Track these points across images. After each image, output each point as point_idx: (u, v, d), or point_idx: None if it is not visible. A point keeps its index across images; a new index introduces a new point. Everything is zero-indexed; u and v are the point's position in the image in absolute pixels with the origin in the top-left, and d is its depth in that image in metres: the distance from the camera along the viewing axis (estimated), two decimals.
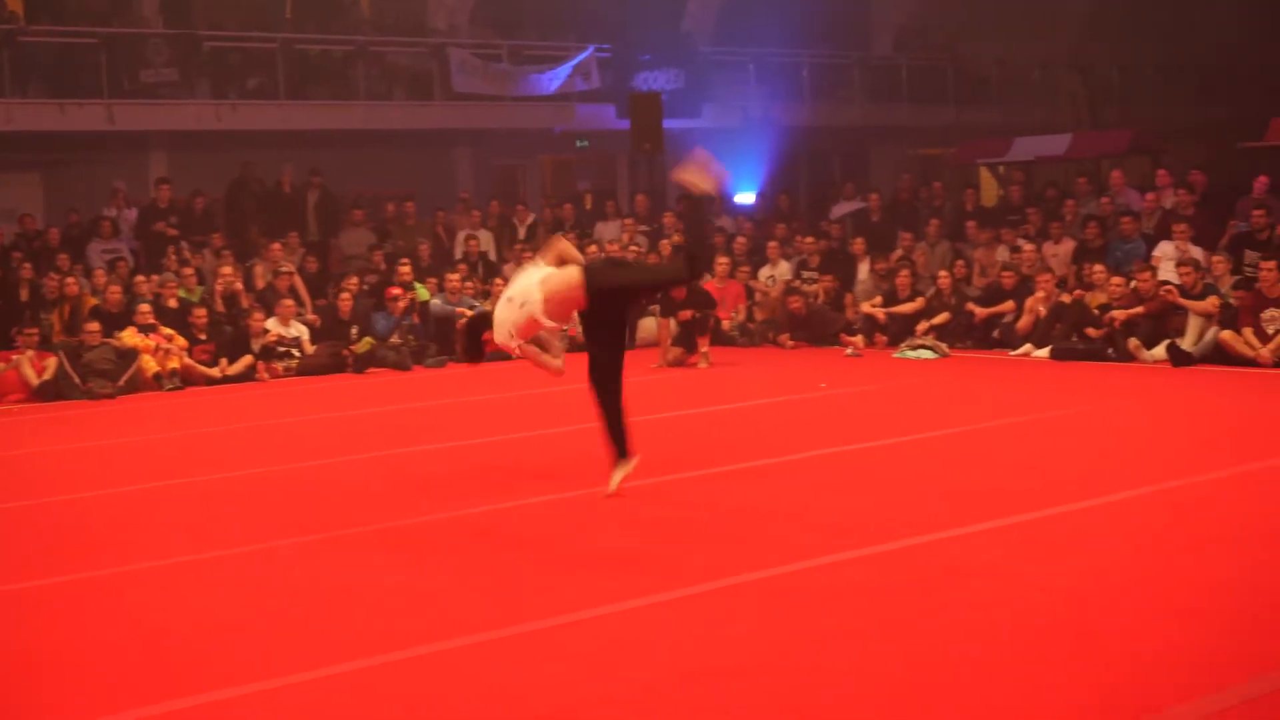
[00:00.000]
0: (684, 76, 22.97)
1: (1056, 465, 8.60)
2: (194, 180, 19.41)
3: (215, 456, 10.31)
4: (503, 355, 8.32)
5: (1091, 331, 14.41)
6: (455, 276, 17.50)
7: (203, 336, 15.58)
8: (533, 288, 7.67)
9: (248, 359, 15.51)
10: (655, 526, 7.25)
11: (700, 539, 6.94)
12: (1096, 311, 14.47)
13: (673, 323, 15.35)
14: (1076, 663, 4.77)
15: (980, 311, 15.89)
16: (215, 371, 15.30)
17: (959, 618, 5.34)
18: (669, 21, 25.38)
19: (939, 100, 26.85)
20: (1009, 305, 15.69)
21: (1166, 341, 13.67)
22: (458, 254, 18.97)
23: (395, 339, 16.50)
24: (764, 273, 18.35)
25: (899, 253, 17.70)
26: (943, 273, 16.61)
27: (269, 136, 20.45)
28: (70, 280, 15.95)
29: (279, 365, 15.70)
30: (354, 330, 16.43)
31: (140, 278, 16.61)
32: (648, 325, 17.39)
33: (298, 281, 17.17)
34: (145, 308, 15.36)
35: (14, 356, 14.60)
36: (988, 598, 5.59)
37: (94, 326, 14.78)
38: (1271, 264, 13.18)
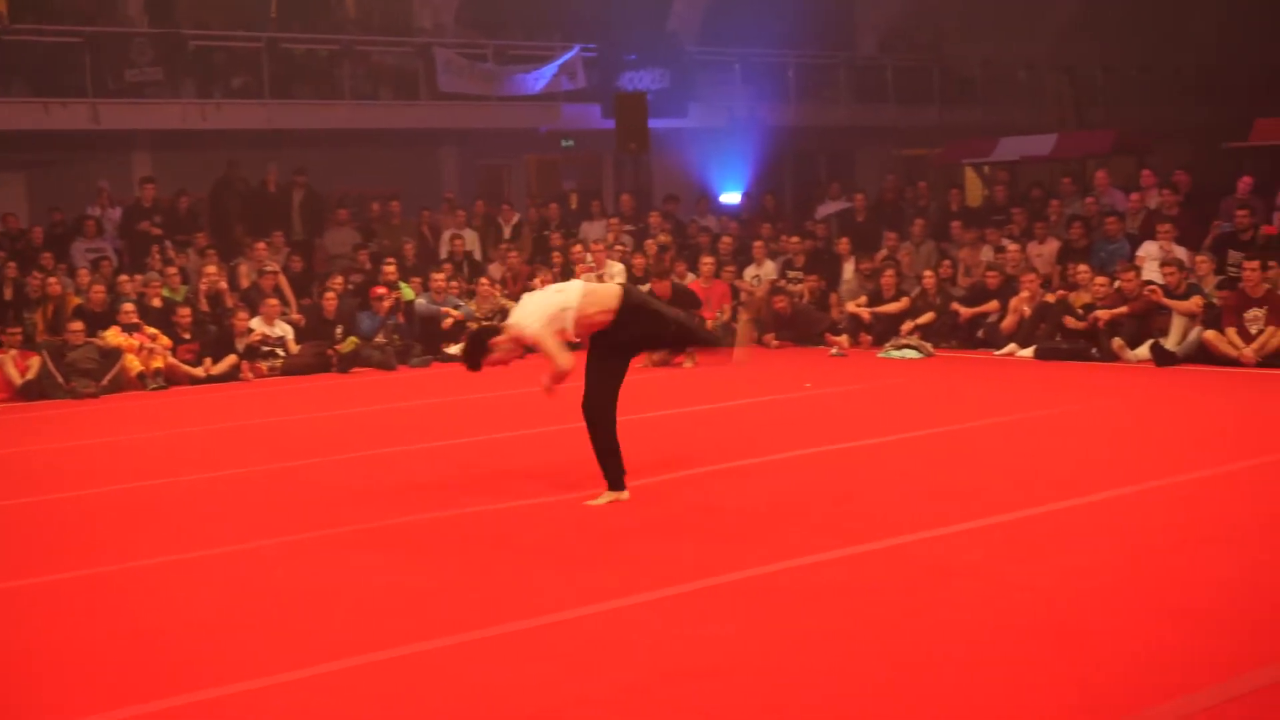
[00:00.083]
0: (669, 76, 22.97)
1: (1040, 465, 8.62)
2: (178, 179, 19.37)
3: (199, 456, 10.29)
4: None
5: (1070, 321, 14.43)
6: (440, 276, 17.49)
7: (187, 336, 15.55)
8: (576, 294, 7.65)
9: (232, 359, 15.48)
10: (638, 526, 7.25)
11: (683, 539, 6.93)
12: (1080, 311, 14.50)
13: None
14: (1060, 662, 4.77)
15: (965, 311, 15.92)
16: (199, 371, 15.27)
17: (942, 617, 5.35)
18: (654, 21, 25.38)
19: (924, 100, 26.88)
20: (993, 305, 15.72)
21: (1150, 341, 13.72)
22: (443, 253, 18.94)
23: (380, 339, 16.48)
24: (749, 272, 18.36)
25: (884, 253, 17.72)
26: (927, 273, 16.64)
27: (254, 136, 20.41)
28: (53, 280, 15.89)
29: (263, 365, 15.66)
30: (339, 330, 16.40)
31: (124, 277, 16.56)
32: None
33: (282, 281, 17.14)
34: (129, 307, 15.32)
35: None
36: (971, 597, 5.60)
37: (77, 326, 14.74)
38: (1255, 264, 13.24)
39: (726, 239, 18.85)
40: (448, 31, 23.78)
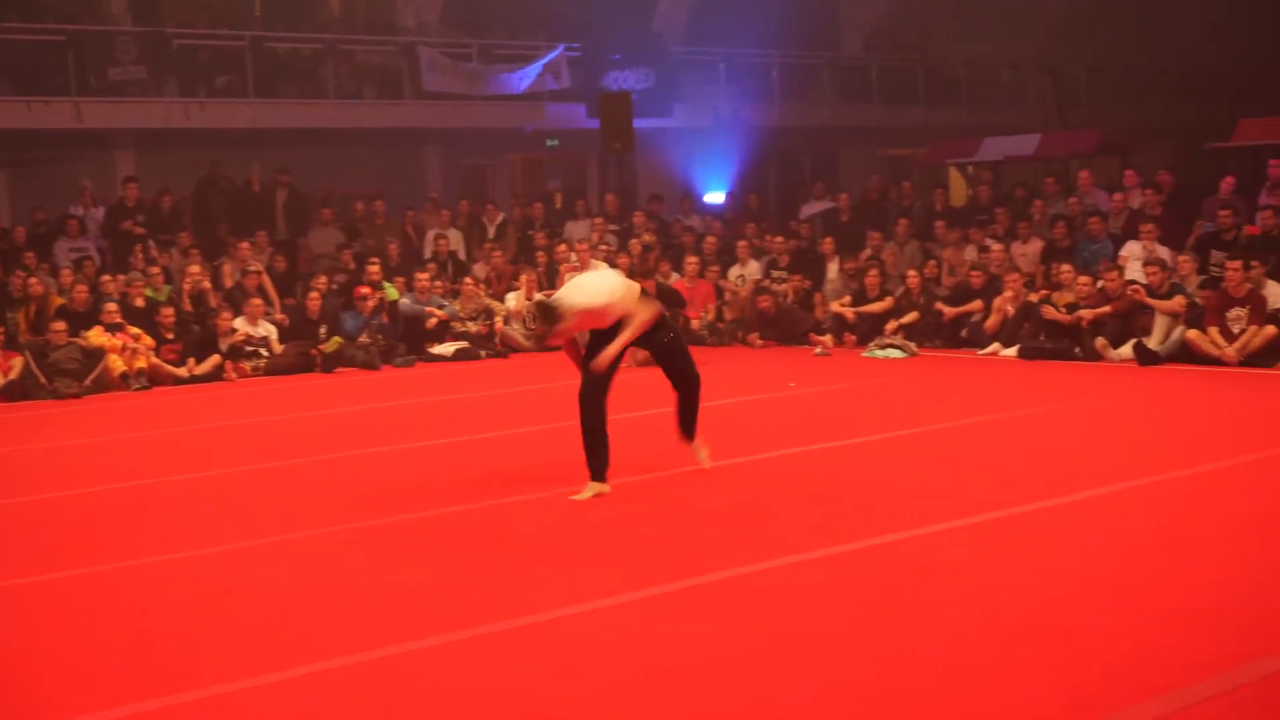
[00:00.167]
0: (654, 76, 22.99)
1: (1024, 464, 8.64)
2: (162, 179, 19.30)
3: (187, 457, 10.26)
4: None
5: (1049, 312, 14.49)
6: (424, 276, 17.46)
7: (170, 336, 15.50)
8: (618, 285, 7.92)
9: (215, 359, 15.43)
10: (621, 526, 7.25)
11: (666, 539, 6.94)
12: (1064, 309, 14.54)
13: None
14: (1044, 661, 4.79)
15: (949, 311, 15.94)
16: (182, 371, 15.22)
17: (926, 617, 5.35)
18: (639, 21, 25.39)
19: (909, 101, 26.93)
20: (977, 305, 15.74)
21: (1133, 341, 13.75)
22: (427, 253, 18.92)
23: (364, 338, 16.44)
24: (733, 272, 18.37)
25: (868, 252, 17.73)
26: (911, 272, 16.66)
27: (238, 135, 20.37)
28: (34, 280, 15.82)
29: (247, 365, 15.62)
30: (322, 330, 16.36)
31: (107, 277, 16.49)
32: None
33: (266, 281, 17.10)
34: (112, 307, 15.26)
35: None
36: (955, 597, 5.61)
37: (60, 326, 14.68)
38: (1237, 264, 13.27)
39: (711, 239, 18.85)
40: (432, 30, 23.76)
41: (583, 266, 17.32)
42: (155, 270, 16.74)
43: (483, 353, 16.75)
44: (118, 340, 14.87)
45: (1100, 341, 13.96)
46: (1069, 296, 14.71)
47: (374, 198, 20.21)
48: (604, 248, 18.52)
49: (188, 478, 9.30)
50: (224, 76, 20.70)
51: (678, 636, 5.23)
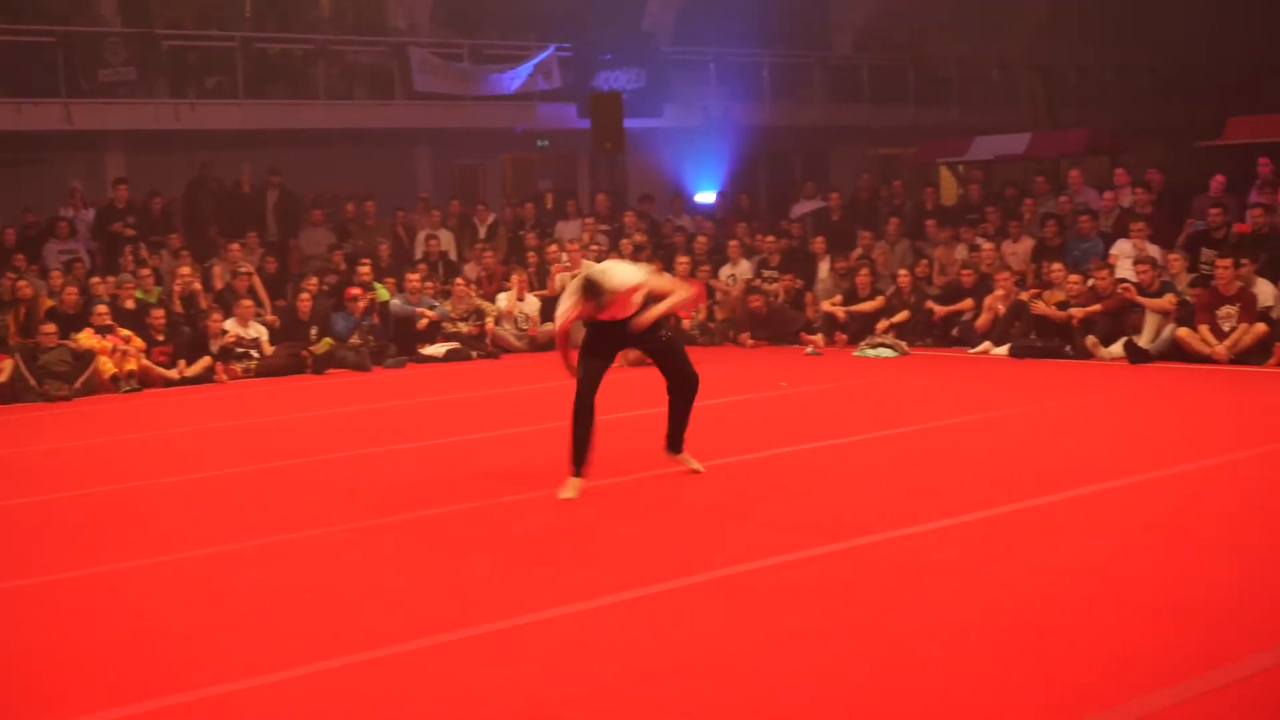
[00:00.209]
0: (645, 76, 22.99)
1: (1015, 462, 8.65)
2: (152, 180, 19.27)
3: (175, 459, 10.24)
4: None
5: (1039, 307, 14.51)
6: (415, 276, 17.43)
7: (160, 338, 15.46)
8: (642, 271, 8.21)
9: (206, 360, 15.41)
10: (614, 526, 7.25)
11: (659, 538, 6.94)
12: (1055, 307, 14.57)
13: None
14: (1036, 658, 4.79)
15: (939, 310, 15.96)
16: (173, 373, 15.19)
17: (917, 615, 5.36)
18: (630, 21, 25.40)
19: (899, 100, 26.96)
20: (968, 303, 15.76)
21: (1124, 339, 13.77)
22: (418, 254, 18.90)
23: (355, 339, 16.43)
24: (724, 272, 18.37)
25: (859, 251, 17.74)
26: (902, 271, 16.68)
27: (228, 136, 20.34)
28: (23, 283, 15.77)
29: (238, 366, 15.60)
30: (313, 331, 16.35)
31: (97, 279, 16.46)
32: None
33: (256, 282, 17.07)
34: (102, 309, 15.21)
35: None
36: (946, 595, 5.61)
37: (50, 328, 14.64)
38: (1227, 262, 13.30)
39: (702, 238, 18.85)
40: (422, 31, 23.75)
41: (574, 266, 17.33)
42: (145, 272, 16.70)
43: (474, 353, 16.73)
44: (108, 342, 14.83)
45: (1091, 340, 13.99)
46: (1060, 295, 14.73)
47: (365, 198, 20.17)
48: (595, 248, 18.50)
49: (180, 479, 9.28)
50: (214, 77, 20.67)
51: (671, 636, 5.23)
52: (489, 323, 17.17)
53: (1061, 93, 27.75)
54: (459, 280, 17.71)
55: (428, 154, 23.95)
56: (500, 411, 12.17)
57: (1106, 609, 5.33)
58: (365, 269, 17.25)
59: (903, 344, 15.42)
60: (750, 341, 16.90)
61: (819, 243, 18.35)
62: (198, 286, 16.61)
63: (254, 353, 15.88)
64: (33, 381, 14.22)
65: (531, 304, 17.48)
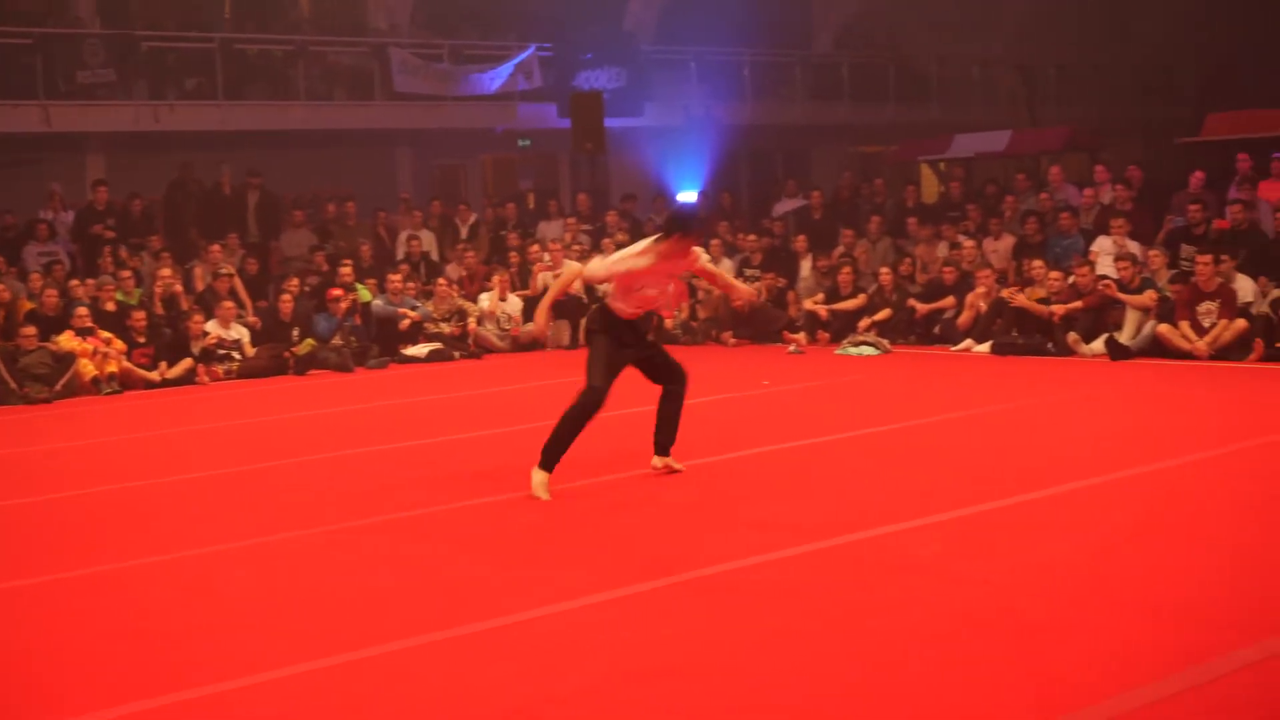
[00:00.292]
0: (625, 75, 22.99)
1: (997, 459, 8.67)
2: (132, 182, 19.20)
3: (156, 461, 10.22)
4: None
5: (1019, 300, 14.53)
6: (397, 277, 17.41)
7: (141, 339, 15.42)
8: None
9: (187, 362, 15.37)
10: (597, 525, 7.25)
11: (642, 537, 6.94)
12: (1036, 304, 14.62)
13: None
14: (1020, 656, 4.80)
15: (921, 307, 15.99)
16: (154, 375, 15.15)
17: (901, 613, 5.36)
18: (610, 20, 25.39)
19: (880, 98, 26.99)
20: (950, 301, 15.79)
21: (1105, 335, 13.81)
22: (399, 254, 18.87)
23: (337, 340, 16.40)
24: None
25: (841, 250, 17.76)
26: (884, 269, 16.71)
27: (208, 137, 20.28)
28: (2, 285, 15.71)
29: (219, 368, 15.56)
30: (295, 332, 16.32)
31: (77, 281, 16.42)
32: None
33: (238, 283, 17.03)
34: (83, 311, 15.16)
35: None
36: (930, 593, 5.62)
37: (30, 330, 14.60)
38: (1207, 258, 13.35)
39: None
40: (403, 31, 23.71)
41: (556, 266, 17.32)
42: (126, 274, 16.64)
43: (456, 354, 16.71)
44: (89, 345, 14.78)
45: (1072, 336, 14.03)
46: (1041, 292, 14.77)
47: (346, 199, 20.13)
48: (577, 248, 18.50)
49: (164, 481, 9.26)
50: (193, 79, 20.59)
51: (655, 635, 5.23)
52: (471, 323, 17.15)
53: (1042, 90, 27.82)
54: (441, 281, 17.68)
55: (409, 154, 23.92)
56: (483, 412, 12.15)
57: (1090, 605, 5.34)
58: (347, 270, 17.22)
59: (885, 342, 15.45)
60: (732, 340, 16.91)
61: (801, 241, 18.38)
62: (179, 288, 16.56)
63: (236, 354, 15.84)
64: (13, 384, 14.17)
65: (514, 304, 17.46)
